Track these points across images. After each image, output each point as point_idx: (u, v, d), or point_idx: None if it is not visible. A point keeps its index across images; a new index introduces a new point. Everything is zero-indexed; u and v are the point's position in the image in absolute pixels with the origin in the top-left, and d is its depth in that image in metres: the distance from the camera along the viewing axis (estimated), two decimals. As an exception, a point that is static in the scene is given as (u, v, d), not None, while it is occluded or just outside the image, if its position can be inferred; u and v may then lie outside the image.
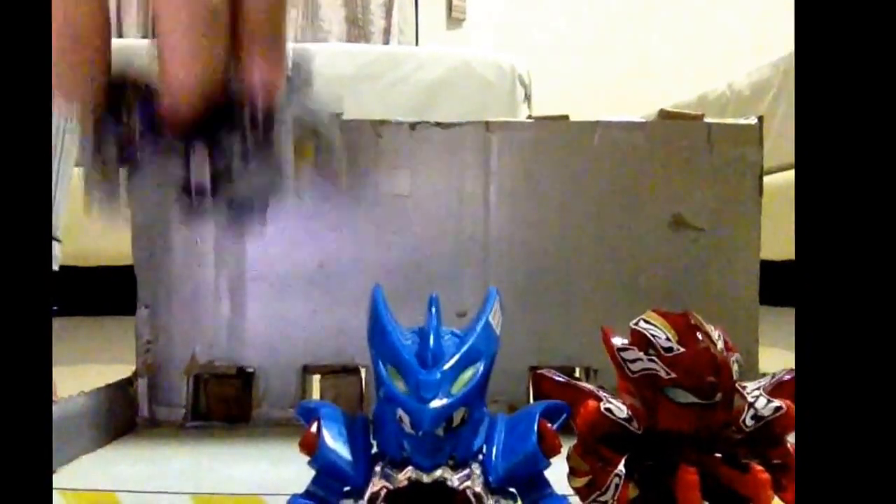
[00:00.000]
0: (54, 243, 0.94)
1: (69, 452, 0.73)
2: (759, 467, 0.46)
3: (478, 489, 0.43)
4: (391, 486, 0.42)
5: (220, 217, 0.46)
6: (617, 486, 0.46)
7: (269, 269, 0.88)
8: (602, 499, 0.47)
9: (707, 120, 0.89)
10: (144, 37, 3.52)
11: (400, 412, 0.41)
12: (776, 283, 1.03)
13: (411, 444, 0.42)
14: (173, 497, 0.63)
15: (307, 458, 0.46)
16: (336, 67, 2.19)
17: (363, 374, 0.90)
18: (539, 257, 0.89)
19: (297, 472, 0.47)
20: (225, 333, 0.87)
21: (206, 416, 0.89)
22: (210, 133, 0.44)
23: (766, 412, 0.47)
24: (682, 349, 0.45)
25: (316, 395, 0.89)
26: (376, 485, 0.43)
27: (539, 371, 0.53)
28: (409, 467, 0.42)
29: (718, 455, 0.47)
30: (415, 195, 0.89)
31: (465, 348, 0.44)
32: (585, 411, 0.48)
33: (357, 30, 3.91)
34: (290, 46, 0.47)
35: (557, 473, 0.49)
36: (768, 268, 0.92)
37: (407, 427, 0.41)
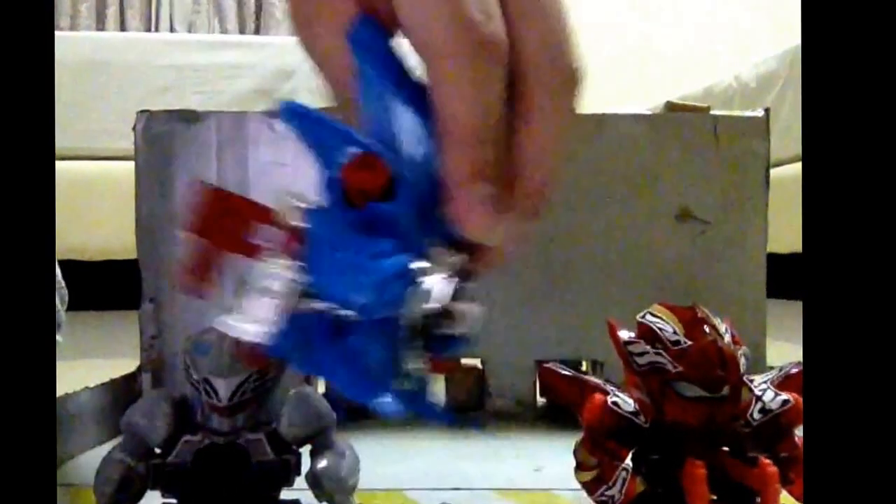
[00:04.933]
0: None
1: (73, 448, 0.74)
2: (767, 461, 0.46)
3: None
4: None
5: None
6: (624, 480, 0.46)
7: (273, 263, 0.88)
8: (609, 493, 0.47)
9: (714, 112, 0.90)
10: (147, 30, 3.53)
11: None
12: (783, 276, 1.03)
13: None
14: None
15: None
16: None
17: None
18: (544, 250, 0.90)
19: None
20: (229, 328, 0.88)
21: (212, 410, 0.89)
22: None
23: (774, 405, 0.47)
24: (689, 342, 0.45)
25: (321, 387, 0.89)
26: None
27: (545, 365, 0.53)
28: None
29: (726, 449, 0.47)
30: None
31: None
32: (592, 405, 0.48)
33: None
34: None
35: (564, 467, 0.49)
36: (775, 260, 0.92)
37: None
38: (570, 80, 0.36)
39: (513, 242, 0.36)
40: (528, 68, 0.35)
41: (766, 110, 0.90)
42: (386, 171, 0.32)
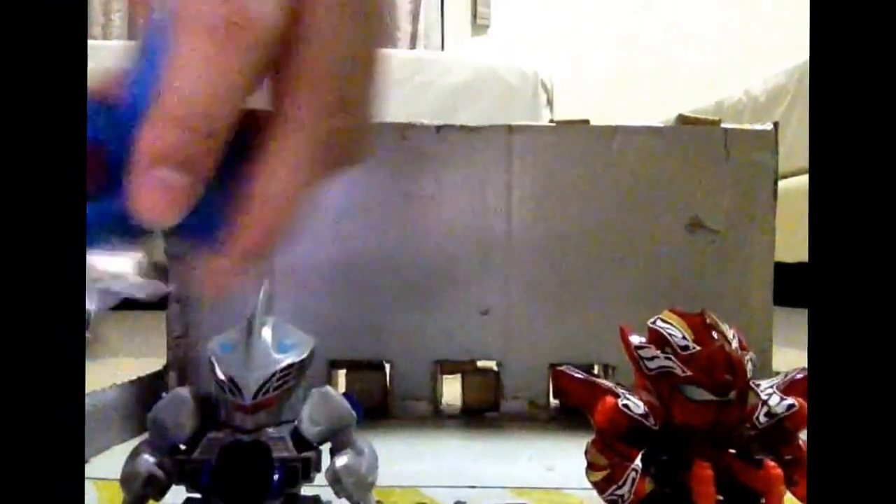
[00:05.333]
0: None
1: (101, 443, 0.75)
2: (772, 463, 0.47)
3: None
4: None
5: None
6: (633, 480, 0.47)
7: (297, 267, 0.89)
8: (619, 492, 0.47)
9: (724, 125, 0.90)
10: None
11: None
12: (790, 285, 1.03)
13: None
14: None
15: None
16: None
17: (388, 370, 0.92)
18: (559, 258, 0.90)
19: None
20: (252, 328, 0.88)
21: (233, 409, 0.90)
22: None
23: (780, 409, 0.48)
24: (697, 348, 0.46)
25: (342, 389, 0.90)
26: None
27: (558, 368, 0.53)
28: None
29: (732, 451, 0.48)
30: (439, 196, 0.90)
31: None
32: (603, 407, 0.49)
33: (385, 35, 3.91)
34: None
35: (576, 467, 0.50)
36: (782, 269, 0.92)
37: None
38: (331, 114, 0.33)
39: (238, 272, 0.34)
40: (292, 83, 0.32)
41: (775, 124, 0.91)
42: (99, 172, 0.30)
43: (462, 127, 0.90)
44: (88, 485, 0.63)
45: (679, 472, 0.47)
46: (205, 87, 0.29)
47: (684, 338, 0.47)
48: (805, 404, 0.48)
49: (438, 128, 0.90)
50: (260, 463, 0.47)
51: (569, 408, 0.90)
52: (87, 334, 0.69)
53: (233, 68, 0.29)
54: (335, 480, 0.48)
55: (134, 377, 0.85)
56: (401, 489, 0.64)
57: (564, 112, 1.33)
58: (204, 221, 0.32)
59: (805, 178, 1.85)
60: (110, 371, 0.88)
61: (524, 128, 0.91)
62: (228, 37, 0.28)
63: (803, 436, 0.48)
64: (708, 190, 0.90)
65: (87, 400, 0.72)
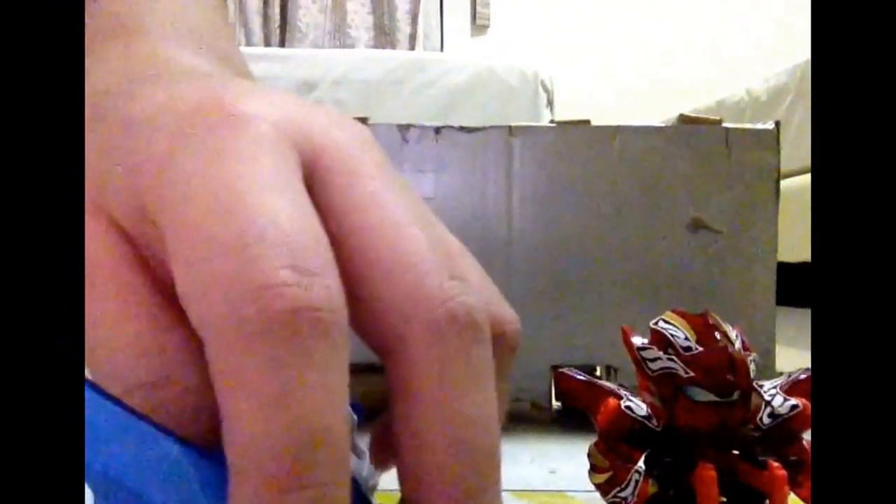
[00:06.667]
0: None
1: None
2: (776, 464, 0.46)
3: None
4: None
5: None
6: (637, 482, 0.47)
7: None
8: (622, 494, 0.47)
9: (725, 125, 0.90)
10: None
11: None
12: (793, 285, 1.03)
13: None
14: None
15: None
16: (363, 73, 2.21)
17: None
18: (561, 259, 0.90)
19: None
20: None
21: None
22: None
23: (783, 410, 0.48)
24: (700, 349, 0.46)
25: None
26: None
27: (561, 370, 0.53)
28: None
29: (736, 452, 0.48)
30: (439, 197, 0.90)
31: None
32: (606, 409, 0.49)
33: (384, 36, 3.94)
34: None
35: (579, 469, 0.50)
36: (785, 269, 0.92)
37: None
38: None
39: None
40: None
41: (777, 123, 0.91)
42: None
43: (462, 128, 0.90)
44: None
45: (682, 473, 0.47)
46: (290, 416, 0.20)
47: (687, 339, 0.47)
48: (809, 405, 0.48)
49: (438, 129, 0.90)
50: None
51: (571, 410, 0.90)
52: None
53: (316, 368, 0.20)
54: None
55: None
56: (403, 492, 0.64)
57: (565, 112, 1.33)
58: None
59: (807, 178, 1.85)
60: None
61: (524, 128, 0.91)
62: (292, 338, 0.20)
63: (807, 436, 0.48)
64: (709, 190, 0.90)
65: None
